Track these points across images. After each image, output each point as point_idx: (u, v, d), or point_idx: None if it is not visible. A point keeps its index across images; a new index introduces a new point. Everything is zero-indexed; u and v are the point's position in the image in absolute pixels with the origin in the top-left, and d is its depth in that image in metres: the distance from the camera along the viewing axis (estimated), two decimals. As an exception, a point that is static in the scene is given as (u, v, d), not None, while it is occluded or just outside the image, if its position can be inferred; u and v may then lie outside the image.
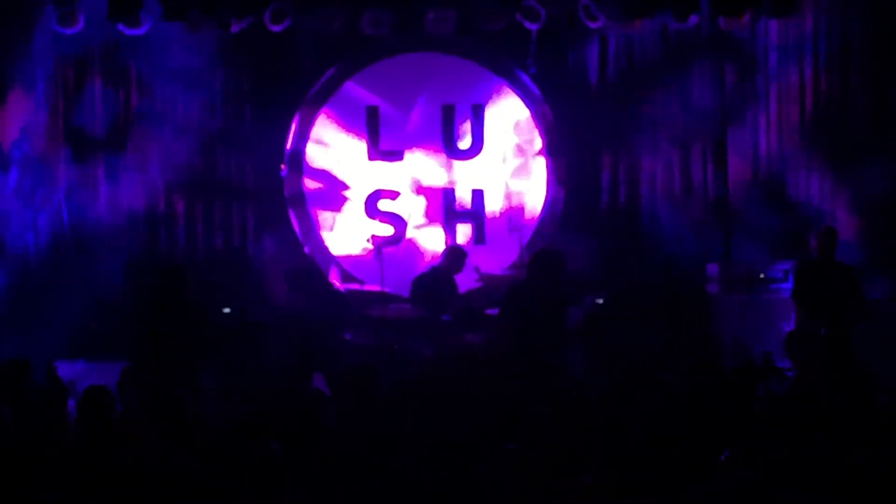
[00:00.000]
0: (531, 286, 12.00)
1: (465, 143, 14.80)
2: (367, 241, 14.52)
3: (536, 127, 14.80)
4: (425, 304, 13.10)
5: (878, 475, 6.64)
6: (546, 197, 14.84)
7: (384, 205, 14.80)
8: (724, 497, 5.70)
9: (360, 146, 14.79)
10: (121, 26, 13.20)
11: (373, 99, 14.72)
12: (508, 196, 14.97)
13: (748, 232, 14.68)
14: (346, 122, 14.78)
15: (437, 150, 14.89)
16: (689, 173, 14.88)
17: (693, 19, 13.72)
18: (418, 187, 14.99)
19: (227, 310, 13.01)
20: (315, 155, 14.81)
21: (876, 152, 14.36)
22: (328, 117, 14.86)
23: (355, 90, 14.77)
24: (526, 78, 14.63)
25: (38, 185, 14.50)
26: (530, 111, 14.77)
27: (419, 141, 14.76)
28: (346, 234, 14.91)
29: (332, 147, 14.90)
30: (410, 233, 14.94)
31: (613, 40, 14.54)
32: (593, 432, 7.98)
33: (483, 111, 14.73)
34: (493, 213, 14.90)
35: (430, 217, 14.91)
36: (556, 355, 11.36)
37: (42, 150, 14.18)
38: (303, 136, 14.74)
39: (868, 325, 12.93)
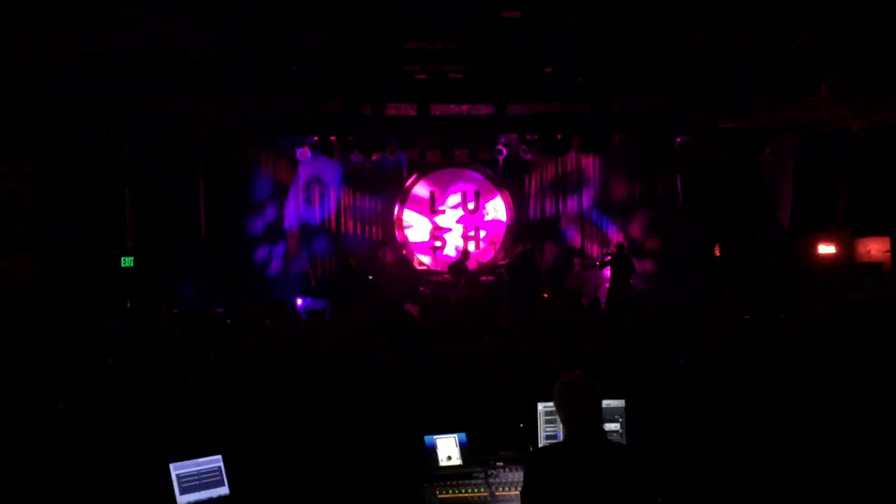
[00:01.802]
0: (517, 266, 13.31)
1: (471, 208, 15.57)
2: (432, 248, 15.47)
3: (503, 200, 15.54)
4: (454, 276, 13.99)
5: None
6: (506, 230, 15.54)
7: (437, 233, 15.60)
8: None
9: (426, 209, 15.56)
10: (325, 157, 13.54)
11: (432, 188, 15.56)
12: (490, 228, 15.68)
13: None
14: (420, 199, 15.58)
15: (464, 211, 15.62)
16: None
17: (571, 156, 14.54)
18: (452, 226, 15.67)
19: (370, 277, 13.59)
20: (407, 212, 15.56)
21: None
22: (411, 197, 15.60)
23: (424, 184, 15.54)
24: (498, 178, 15.39)
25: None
26: (500, 193, 15.54)
27: (452, 206, 15.59)
28: (421, 245, 15.62)
29: (414, 209, 15.63)
30: (449, 245, 15.57)
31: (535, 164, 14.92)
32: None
33: (480, 193, 15.54)
34: (485, 235, 15.60)
35: (457, 238, 15.62)
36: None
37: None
38: (403, 204, 15.51)
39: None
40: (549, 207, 15.56)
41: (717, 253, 12.99)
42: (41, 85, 7.74)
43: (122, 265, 10.31)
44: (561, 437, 4.21)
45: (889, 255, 10.31)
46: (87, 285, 8.46)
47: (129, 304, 9.36)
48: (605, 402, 4.25)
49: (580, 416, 3.72)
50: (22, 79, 7.50)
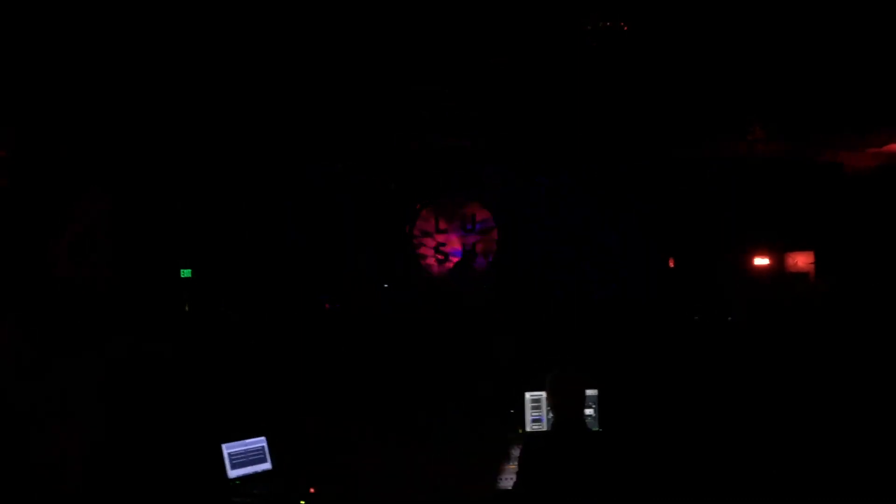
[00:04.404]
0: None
1: (469, 227, 15.52)
2: (438, 259, 15.94)
3: (493, 221, 15.92)
4: (456, 282, 14.38)
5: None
6: (496, 244, 16.05)
7: (442, 249, 16.24)
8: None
9: (432, 228, 15.85)
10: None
11: (436, 211, 15.62)
12: (484, 243, 16.40)
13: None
14: (427, 221, 15.63)
15: (460, 230, 16.36)
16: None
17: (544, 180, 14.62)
18: (455, 242, 16.33)
19: (385, 285, 13.84)
20: (417, 232, 15.88)
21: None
22: (420, 218, 15.98)
23: (429, 209, 15.47)
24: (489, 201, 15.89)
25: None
26: (491, 214, 15.85)
27: (452, 225, 16.02)
28: (429, 258, 16.11)
29: (422, 229, 16.18)
30: (450, 257, 16.17)
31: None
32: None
33: (475, 215, 15.37)
34: (480, 249, 16.42)
35: (458, 253, 16.12)
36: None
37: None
38: (412, 225, 15.59)
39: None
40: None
41: (672, 265, 12.83)
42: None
43: (182, 275, 10.18)
44: (545, 420, 4.21)
45: (813, 266, 10.36)
46: (154, 292, 8.38)
47: (187, 308, 9.29)
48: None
49: (567, 406, 3.67)
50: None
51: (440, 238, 15.03)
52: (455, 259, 14.81)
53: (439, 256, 14.94)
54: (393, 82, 8.83)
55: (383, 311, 10.66)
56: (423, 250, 14.97)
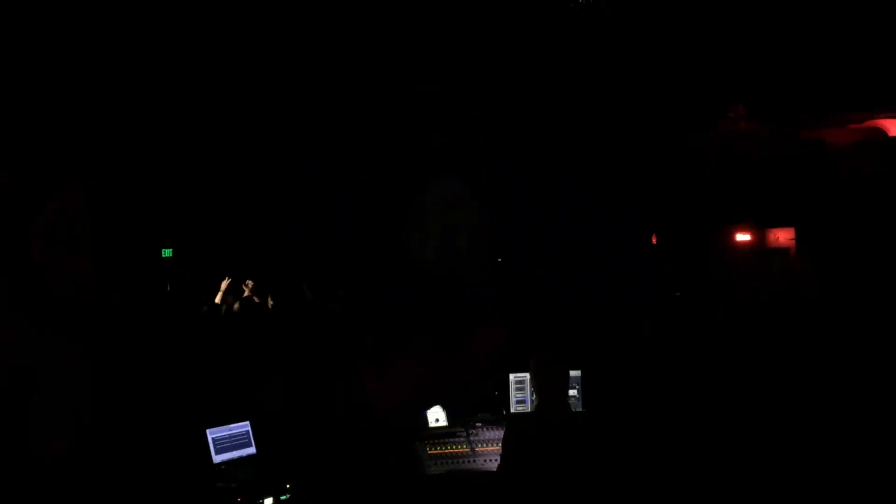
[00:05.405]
0: None
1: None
2: None
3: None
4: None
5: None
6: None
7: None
8: None
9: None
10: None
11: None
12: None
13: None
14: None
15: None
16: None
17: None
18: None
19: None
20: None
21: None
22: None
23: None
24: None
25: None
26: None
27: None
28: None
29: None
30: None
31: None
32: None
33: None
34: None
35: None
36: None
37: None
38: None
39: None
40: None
41: (654, 241, 12.90)
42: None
43: (163, 255, 9.97)
44: (529, 402, 4.22)
45: (794, 241, 10.48)
46: (139, 277, 8.27)
47: (168, 289, 9.21)
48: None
49: (549, 387, 3.60)
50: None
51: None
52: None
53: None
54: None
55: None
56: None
